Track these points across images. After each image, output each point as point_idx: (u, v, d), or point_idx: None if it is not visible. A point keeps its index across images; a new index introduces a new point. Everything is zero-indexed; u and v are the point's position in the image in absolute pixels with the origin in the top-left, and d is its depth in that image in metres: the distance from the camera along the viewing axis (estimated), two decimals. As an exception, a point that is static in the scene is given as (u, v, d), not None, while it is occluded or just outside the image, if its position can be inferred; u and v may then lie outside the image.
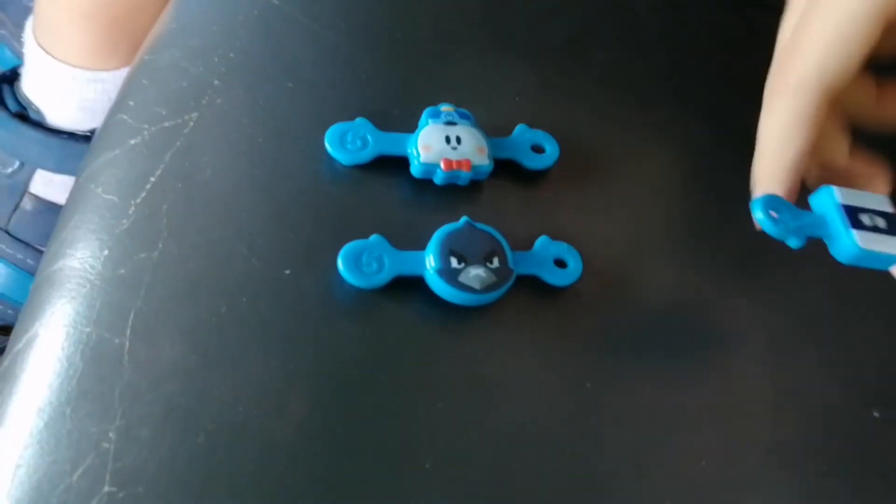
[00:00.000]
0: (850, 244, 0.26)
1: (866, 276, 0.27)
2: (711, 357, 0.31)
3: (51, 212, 0.52)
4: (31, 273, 0.52)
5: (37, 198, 0.51)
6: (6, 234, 0.52)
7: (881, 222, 0.26)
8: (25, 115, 0.51)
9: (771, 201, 0.26)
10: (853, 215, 0.26)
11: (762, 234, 0.33)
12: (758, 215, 0.26)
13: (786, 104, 0.26)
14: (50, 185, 0.51)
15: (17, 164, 0.51)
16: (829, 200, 0.27)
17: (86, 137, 0.51)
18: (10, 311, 0.52)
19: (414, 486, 0.25)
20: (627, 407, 0.29)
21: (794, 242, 0.26)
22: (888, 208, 0.27)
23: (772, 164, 0.27)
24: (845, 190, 0.27)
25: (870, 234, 0.26)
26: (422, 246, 0.28)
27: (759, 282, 0.33)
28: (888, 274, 0.27)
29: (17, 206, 0.52)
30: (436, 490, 0.25)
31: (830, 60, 0.25)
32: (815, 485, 0.29)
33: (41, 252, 0.52)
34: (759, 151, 0.27)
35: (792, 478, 0.29)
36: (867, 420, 0.31)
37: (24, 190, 0.51)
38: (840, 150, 0.28)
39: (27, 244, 0.52)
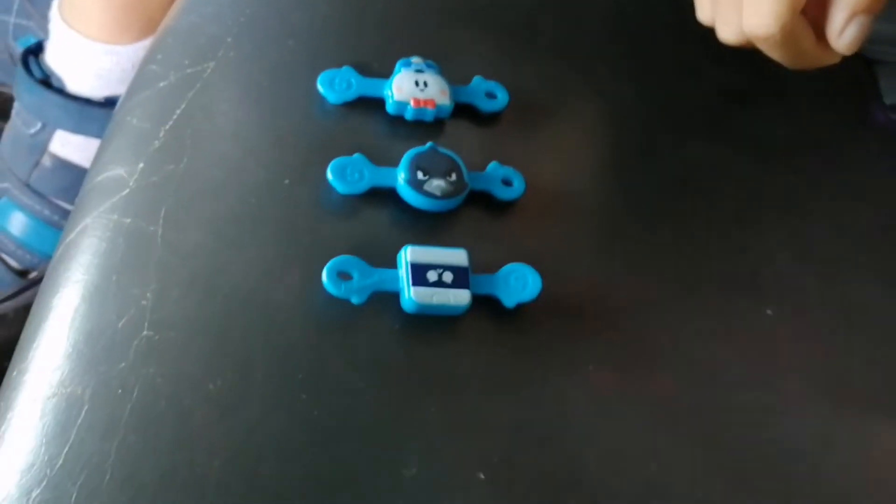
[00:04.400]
0: (408, 299, 0.30)
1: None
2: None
3: (67, 169, 0.58)
4: (47, 223, 0.57)
5: (55, 156, 0.57)
6: (28, 188, 0.57)
7: (448, 276, 0.31)
8: (48, 83, 0.57)
9: (343, 263, 0.31)
10: (420, 272, 0.31)
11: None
12: (325, 279, 0.30)
13: None
14: (68, 146, 0.57)
15: (39, 125, 0.57)
16: (401, 258, 0.31)
17: (100, 104, 0.57)
18: (28, 257, 0.58)
19: (388, 340, 0.32)
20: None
21: (355, 299, 0.30)
22: (462, 263, 0.31)
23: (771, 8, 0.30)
24: (420, 249, 0.31)
25: (430, 289, 0.30)
26: (395, 164, 0.35)
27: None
28: None
29: (37, 163, 0.57)
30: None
31: None
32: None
33: (57, 205, 0.58)
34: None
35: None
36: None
37: (44, 149, 0.57)
38: None
39: (45, 197, 0.57)
